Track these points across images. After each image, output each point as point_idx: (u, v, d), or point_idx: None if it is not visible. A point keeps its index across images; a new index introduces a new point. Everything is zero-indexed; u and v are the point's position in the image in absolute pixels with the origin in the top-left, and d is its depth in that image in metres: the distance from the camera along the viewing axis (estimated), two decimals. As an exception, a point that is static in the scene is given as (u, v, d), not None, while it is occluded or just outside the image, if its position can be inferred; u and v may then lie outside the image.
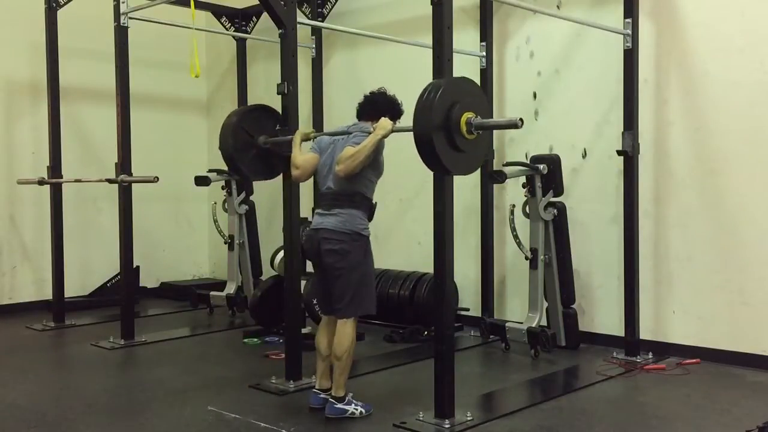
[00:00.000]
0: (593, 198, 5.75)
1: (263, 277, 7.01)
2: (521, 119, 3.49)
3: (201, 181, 7.03)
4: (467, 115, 3.52)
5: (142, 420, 4.15)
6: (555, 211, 5.49)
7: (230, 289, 7.11)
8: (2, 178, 7.30)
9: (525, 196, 5.52)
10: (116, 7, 5.90)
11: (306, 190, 6.33)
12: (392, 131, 3.96)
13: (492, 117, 3.68)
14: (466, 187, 6.10)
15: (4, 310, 7.22)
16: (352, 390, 4.17)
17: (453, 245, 3.98)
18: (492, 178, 5.60)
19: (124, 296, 6.20)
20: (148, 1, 6.19)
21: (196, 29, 5.57)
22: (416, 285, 6.38)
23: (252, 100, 7.92)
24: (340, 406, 4.05)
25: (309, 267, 5.16)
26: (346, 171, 3.96)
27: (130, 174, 5.98)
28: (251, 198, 7.20)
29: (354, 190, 4.06)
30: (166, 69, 8.19)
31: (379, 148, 3.99)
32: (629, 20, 5.25)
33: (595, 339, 5.70)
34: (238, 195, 7.08)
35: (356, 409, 4.07)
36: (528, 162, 5.60)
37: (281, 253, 5.32)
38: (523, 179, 5.52)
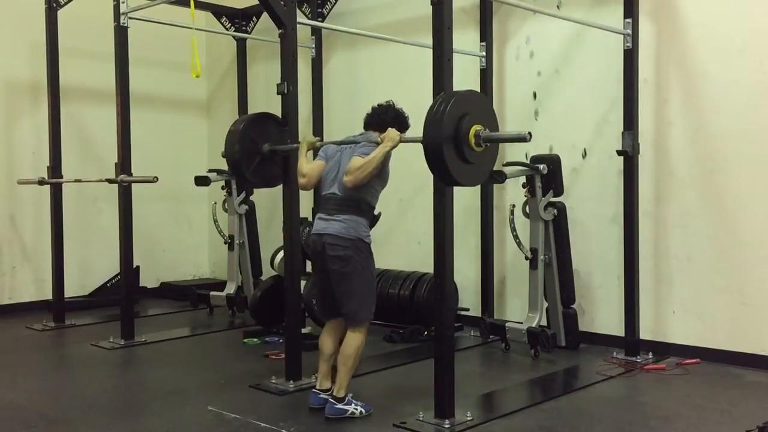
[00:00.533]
0: (593, 198, 5.75)
1: (263, 277, 7.01)
2: (530, 133, 3.51)
3: (201, 181, 7.02)
4: (476, 128, 3.56)
5: (142, 420, 4.16)
6: (555, 211, 5.49)
7: (230, 289, 7.11)
8: (2, 178, 7.30)
9: (525, 196, 5.52)
10: (116, 7, 5.90)
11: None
12: (400, 142, 3.98)
13: (497, 128, 3.72)
14: (465, 187, 6.08)
15: (4, 310, 7.22)
16: (352, 390, 4.17)
17: (453, 245, 3.98)
18: (492, 178, 5.57)
19: (124, 296, 6.19)
20: (148, 1, 6.19)
21: (196, 29, 5.56)
22: (416, 285, 6.38)
23: (252, 100, 7.93)
24: (340, 406, 4.06)
25: (309, 267, 5.18)
26: (355, 182, 3.98)
27: (130, 174, 5.97)
28: (251, 198, 7.20)
29: (359, 198, 4.09)
30: (166, 69, 8.19)
31: (386, 158, 4.03)
32: (629, 20, 5.24)
33: (595, 339, 5.70)
34: (238, 195, 7.07)
35: (356, 409, 4.08)
36: (528, 162, 5.59)
37: (281, 253, 5.32)
38: (523, 179, 5.52)
